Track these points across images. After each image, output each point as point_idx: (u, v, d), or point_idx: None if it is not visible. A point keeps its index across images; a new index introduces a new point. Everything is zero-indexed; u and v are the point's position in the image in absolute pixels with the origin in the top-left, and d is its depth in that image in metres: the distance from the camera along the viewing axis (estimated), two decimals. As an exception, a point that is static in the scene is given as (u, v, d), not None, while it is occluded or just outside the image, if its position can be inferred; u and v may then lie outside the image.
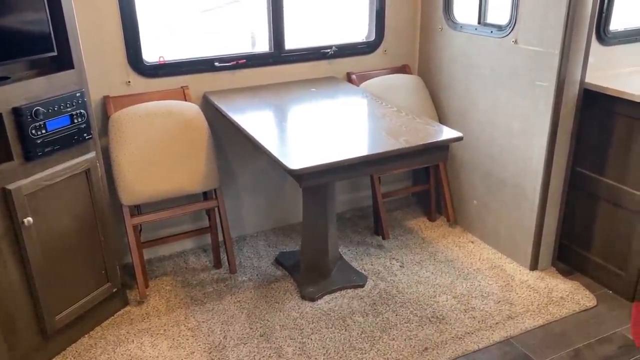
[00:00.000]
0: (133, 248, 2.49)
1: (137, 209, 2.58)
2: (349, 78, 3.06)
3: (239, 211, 3.05)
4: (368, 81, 3.00)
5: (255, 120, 2.38)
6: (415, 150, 2.03)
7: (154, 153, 2.46)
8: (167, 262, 2.86)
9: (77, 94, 2.09)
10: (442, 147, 2.12)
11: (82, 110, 2.11)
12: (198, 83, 2.72)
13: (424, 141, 2.06)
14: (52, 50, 2.01)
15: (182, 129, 2.52)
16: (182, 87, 2.68)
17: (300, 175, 1.87)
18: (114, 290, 2.41)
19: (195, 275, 2.74)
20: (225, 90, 2.76)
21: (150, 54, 2.63)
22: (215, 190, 2.64)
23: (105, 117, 2.53)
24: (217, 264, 2.81)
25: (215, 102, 2.60)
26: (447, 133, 2.16)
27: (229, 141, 2.85)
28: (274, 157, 1.94)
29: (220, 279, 2.70)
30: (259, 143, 2.09)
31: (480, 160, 2.89)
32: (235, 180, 2.98)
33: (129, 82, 2.58)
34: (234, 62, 2.76)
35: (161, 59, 2.63)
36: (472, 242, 3.00)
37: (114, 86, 2.56)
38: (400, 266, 2.78)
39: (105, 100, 2.53)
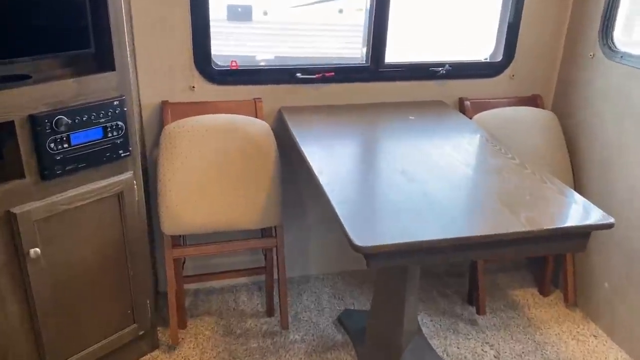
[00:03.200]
0: (170, 285, 2.10)
1: (181, 239, 2.19)
2: (461, 105, 2.46)
3: (305, 247, 2.58)
4: (485, 112, 2.39)
5: (329, 155, 1.88)
6: (539, 236, 1.42)
7: (208, 176, 2.04)
8: (215, 297, 2.46)
9: (115, 102, 1.70)
10: (581, 235, 1.48)
11: (119, 122, 1.73)
12: (274, 96, 2.26)
13: (554, 224, 1.44)
14: (88, 46, 1.63)
15: (246, 151, 2.08)
16: (254, 99, 2.23)
17: (368, 255, 1.34)
18: (141, 333, 2.03)
19: (242, 322, 2.31)
20: (305, 108, 2.28)
21: (221, 56, 2.22)
22: (275, 227, 2.18)
23: (161, 125, 2.15)
24: (270, 311, 2.36)
25: (289, 123, 2.12)
26: (591, 214, 1.52)
27: (302, 165, 2.37)
28: (339, 219, 1.43)
29: (269, 333, 2.25)
30: (325, 193, 1.58)
31: (624, 232, 2.17)
32: (304, 211, 2.51)
33: (193, 87, 2.18)
34: (320, 75, 2.27)
35: (233, 64, 2.20)
36: (595, 336, 2.30)
37: (175, 91, 2.17)
38: (495, 357, 2.16)
39: (163, 106, 2.15)
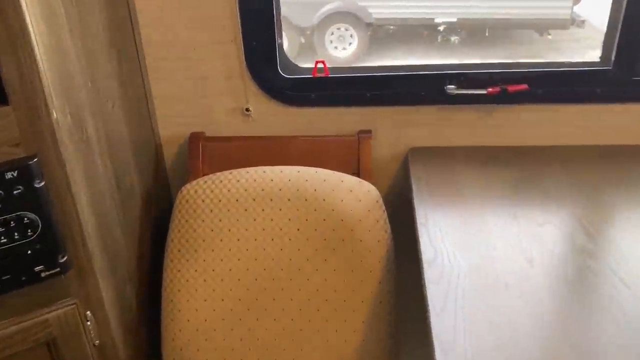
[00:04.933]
0: None
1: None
2: None
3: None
4: None
5: (484, 284, 0.76)
6: None
7: (254, 290, 1.06)
8: None
9: (10, 174, 0.78)
10: None
11: (26, 214, 0.81)
12: (397, 127, 1.16)
13: None
14: None
15: (331, 242, 1.04)
16: (357, 134, 1.16)
17: None
18: None
19: None
20: (459, 152, 1.15)
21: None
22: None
23: (184, 178, 1.20)
24: None
25: (415, 184, 1.03)
26: None
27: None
28: None
29: None
30: None
31: None
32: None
33: (248, 109, 1.18)
34: (496, 88, 1.10)
35: (320, 68, 1.14)
36: None
37: (215, 116, 1.19)
38: None
39: (191, 143, 1.19)
